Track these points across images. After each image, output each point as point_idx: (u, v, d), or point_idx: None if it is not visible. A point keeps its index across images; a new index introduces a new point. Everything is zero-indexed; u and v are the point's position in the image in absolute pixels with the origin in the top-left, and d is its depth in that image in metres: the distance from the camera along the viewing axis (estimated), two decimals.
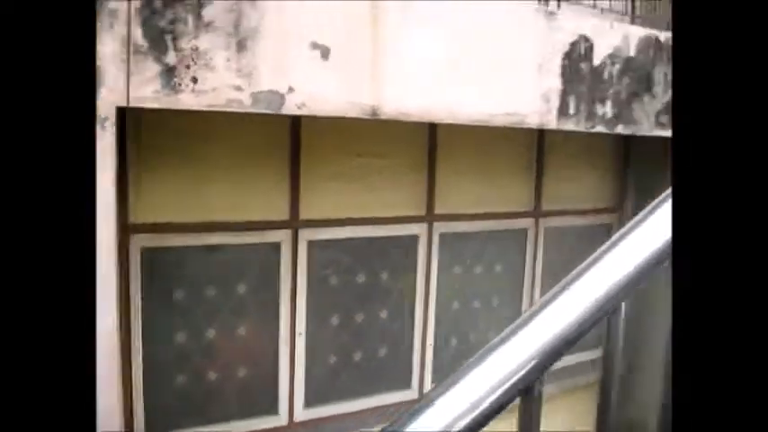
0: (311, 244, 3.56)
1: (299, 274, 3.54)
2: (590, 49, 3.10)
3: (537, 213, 4.31)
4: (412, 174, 3.81)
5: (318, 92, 2.42)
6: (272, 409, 3.62)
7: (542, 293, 4.32)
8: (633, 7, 3.84)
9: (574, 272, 0.79)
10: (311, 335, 3.65)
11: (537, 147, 4.21)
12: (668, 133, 3.43)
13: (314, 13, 2.39)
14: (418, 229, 3.87)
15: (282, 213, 3.47)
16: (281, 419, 3.65)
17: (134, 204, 3.02)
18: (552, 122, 3.01)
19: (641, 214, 0.86)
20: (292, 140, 3.41)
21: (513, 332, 0.74)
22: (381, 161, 3.64)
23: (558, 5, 3.23)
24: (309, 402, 3.71)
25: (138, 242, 3.09)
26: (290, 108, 2.38)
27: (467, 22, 2.71)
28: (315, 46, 2.40)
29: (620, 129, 3.26)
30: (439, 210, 3.91)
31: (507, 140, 3.95)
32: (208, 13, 2.26)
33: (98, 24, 2.11)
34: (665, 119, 3.41)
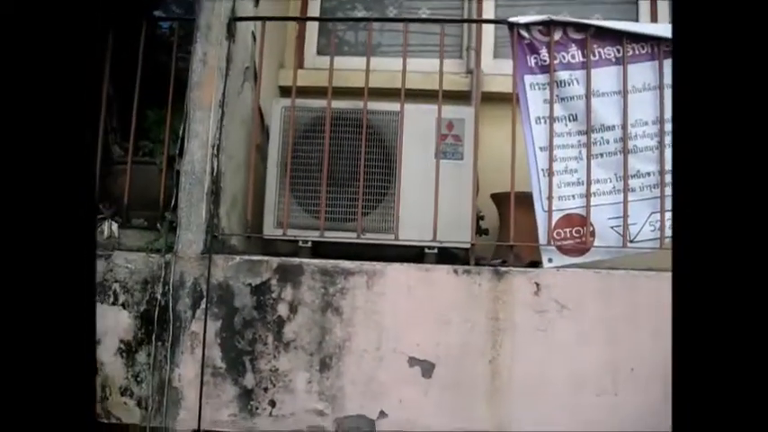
0: None
1: None
2: None
3: None
4: None
5: (417, 417, 1.99)
6: None
7: None
8: None
9: None
10: None
11: None
12: None
13: (412, 323, 2.01)
14: None
15: None
16: None
17: None
18: None
19: None
20: None
21: None
22: None
23: None
24: None
25: None
26: None
27: (610, 305, 2.05)
28: (414, 362, 2.00)
29: None
30: None
31: None
32: (289, 329, 2.03)
33: (179, 348, 2.02)
34: None
